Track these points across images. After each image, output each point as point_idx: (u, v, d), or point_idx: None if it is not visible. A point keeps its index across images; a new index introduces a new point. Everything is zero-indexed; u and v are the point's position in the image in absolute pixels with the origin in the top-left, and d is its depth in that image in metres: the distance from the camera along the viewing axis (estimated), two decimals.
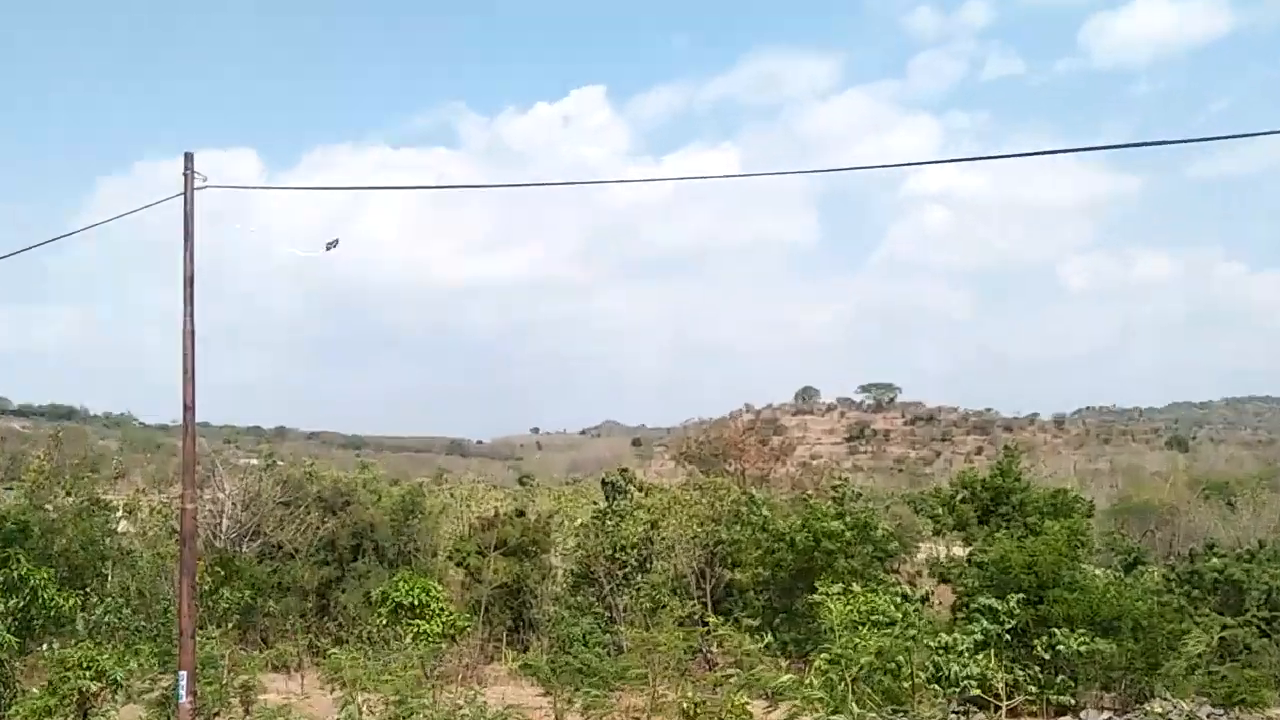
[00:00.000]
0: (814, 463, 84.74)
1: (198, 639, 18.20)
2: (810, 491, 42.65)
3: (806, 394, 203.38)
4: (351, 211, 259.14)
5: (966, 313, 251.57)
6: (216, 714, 20.48)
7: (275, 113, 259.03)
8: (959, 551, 36.95)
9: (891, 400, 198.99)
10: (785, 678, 15.07)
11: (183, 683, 15.99)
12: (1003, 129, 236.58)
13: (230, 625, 27.44)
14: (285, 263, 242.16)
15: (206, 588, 27.57)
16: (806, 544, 30.72)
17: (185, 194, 16.82)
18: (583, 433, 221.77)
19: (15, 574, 21.23)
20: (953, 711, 16.89)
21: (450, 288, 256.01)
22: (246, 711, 21.14)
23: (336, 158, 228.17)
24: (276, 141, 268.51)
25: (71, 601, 22.59)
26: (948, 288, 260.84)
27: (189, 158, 16.91)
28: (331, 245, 17.17)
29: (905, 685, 15.49)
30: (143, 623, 26.60)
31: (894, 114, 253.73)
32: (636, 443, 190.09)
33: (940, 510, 35.39)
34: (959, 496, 35.61)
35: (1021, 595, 24.06)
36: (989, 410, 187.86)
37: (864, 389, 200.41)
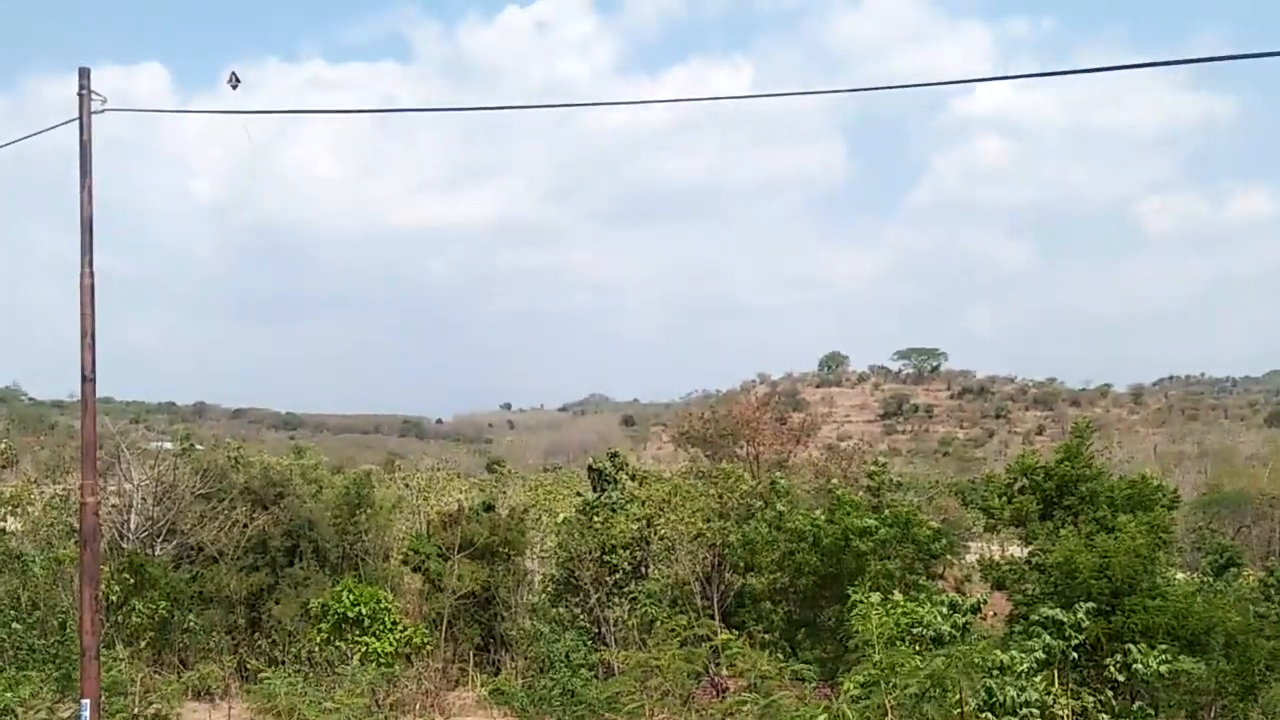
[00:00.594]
0: (842, 445, 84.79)
1: (103, 660, 18.25)
2: (838, 480, 42.78)
3: (833, 361, 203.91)
4: (282, 140, 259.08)
5: (1025, 263, 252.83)
6: None
7: (188, 20, 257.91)
8: (1017, 552, 37.11)
9: (935, 369, 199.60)
10: (820, 717, 15.09)
11: (85, 712, 16.04)
12: (1068, 39, 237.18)
13: (142, 644, 27.56)
14: (203, 201, 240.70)
15: (113, 598, 27.64)
16: (834, 544, 30.85)
17: (81, 118, 16.72)
18: (564, 409, 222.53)
19: None
20: None
21: (402, 233, 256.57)
22: None
23: (263, 74, 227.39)
24: (190, 55, 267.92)
25: None
26: (1002, 233, 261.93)
27: (85, 74, 16.79)
28: (234, 82, 17.01)
29: (954, 713, 15.58)
30: (37, 640, 26.67)
31: (938, 21, 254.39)
32: (629, 421, 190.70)
33: (994, 502, 35.40)
34: (1016, 485, 35.59)
35: (1091, 605, 24.27)
36: (1052, 381, 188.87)
37: (902, 355, 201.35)
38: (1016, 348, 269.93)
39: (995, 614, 33.09)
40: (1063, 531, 30.85)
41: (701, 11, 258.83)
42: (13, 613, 27.61)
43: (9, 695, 19.56)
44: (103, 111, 16.82)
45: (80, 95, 16.70)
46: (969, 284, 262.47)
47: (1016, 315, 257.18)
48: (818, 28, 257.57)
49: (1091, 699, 17.99)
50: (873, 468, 41.31)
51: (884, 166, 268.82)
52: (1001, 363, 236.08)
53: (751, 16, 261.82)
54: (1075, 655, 22.90)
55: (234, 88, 16.98)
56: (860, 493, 36.39)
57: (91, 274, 16.62)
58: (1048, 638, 23.11)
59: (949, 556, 36.45)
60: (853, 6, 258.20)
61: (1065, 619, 23.53)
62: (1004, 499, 35.10)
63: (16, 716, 19.58)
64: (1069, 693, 17.80)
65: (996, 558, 37.45)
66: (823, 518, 32.25)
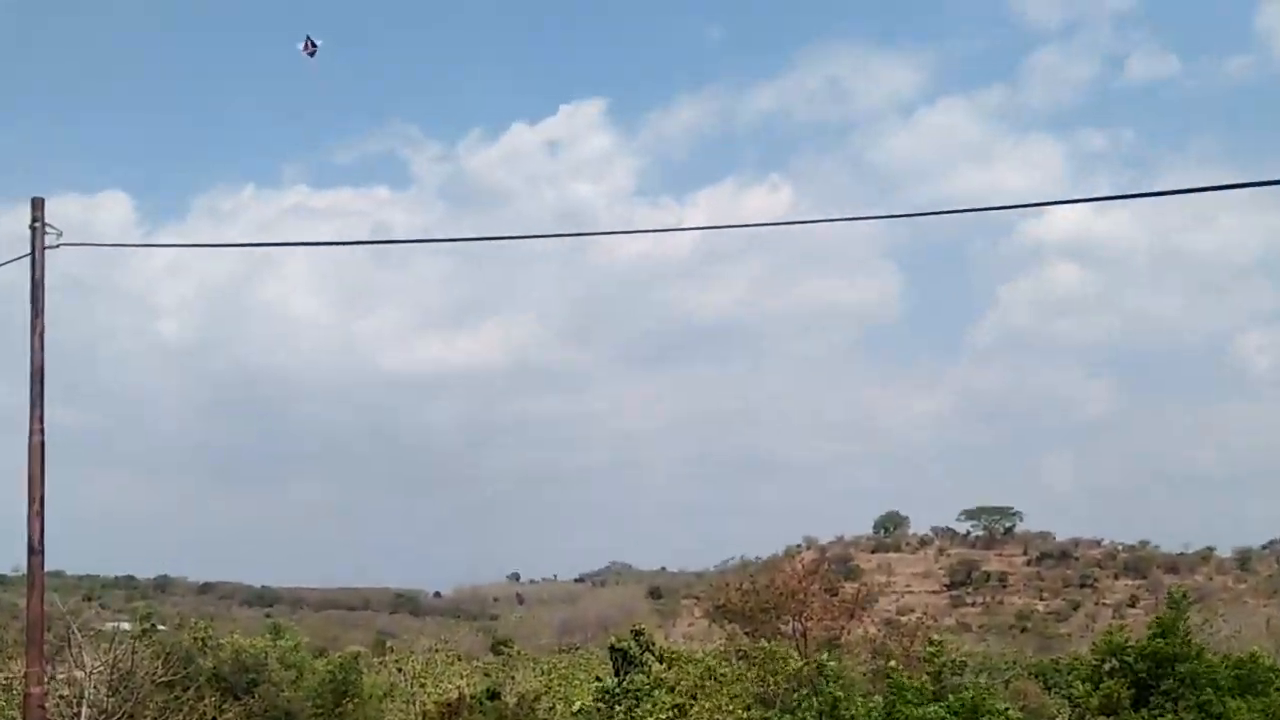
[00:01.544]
0: (903, 619, 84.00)
1: None
2: (897, 661, 42.25)
3: (890, 523, 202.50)
4: (259, 275, 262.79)
5: (1109, 407, 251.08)
6: None
7: (154, 142, 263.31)
8: None
9: (1009, 531, 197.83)
10: None
11: None
12: (1151, 152, 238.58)
13: None
14: (170, 344, 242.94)
15: None
16: None
17: (33, 254, 16.96)
18: (580, 580, 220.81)
19: None
20: None
21: (395, 378, 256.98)
22: None
23: (239, 202, 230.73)
24: (157, 181, 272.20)
25: None
26: (1083, 373, 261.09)
27: (38, 205, 17.10)
28: (310, 50, 17.47)
29: None
30: None
31: (1002, 133, 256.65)
32: (655, 593, 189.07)
33: (1080, 686, 35.01)
34: (1105, 666, 35.28)
35: None
36: (1145, 544, 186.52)
37: (970, 515, 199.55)
38: (1103, 505, 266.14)
39: None
40: None
41: (734, 127, 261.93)
42: None
43: None
44: (58, 246, 17.07)
45: (33, 228, 16.94)
46: (1045, 432, 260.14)
47: (1101, 467, 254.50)
48: (866, 144, 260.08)
49: None
50: (930, 647, 40.83)
51: (944, 298, 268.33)
52: (1086, 523, 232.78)
53: (791, 132, 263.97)
54: None
55: (311, 54, 17.47)
56: (922, 677, 35.90)
57: (41, 430, 16.71)
58: None
59: None
60: (905, 121, 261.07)
61: None
62: (1091, 683, 34.66)
63: None
64: None
65: None
66: (881, 705, 31.82)
